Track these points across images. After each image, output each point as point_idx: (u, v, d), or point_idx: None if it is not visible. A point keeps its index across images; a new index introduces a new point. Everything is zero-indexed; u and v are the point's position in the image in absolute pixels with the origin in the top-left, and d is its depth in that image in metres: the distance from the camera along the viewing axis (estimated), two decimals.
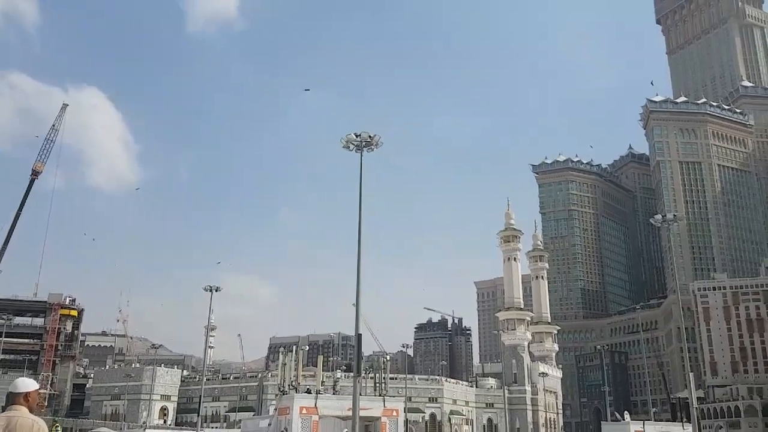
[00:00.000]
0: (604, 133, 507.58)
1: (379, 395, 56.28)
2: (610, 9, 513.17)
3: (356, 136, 43.19)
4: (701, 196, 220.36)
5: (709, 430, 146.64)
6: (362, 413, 53.61)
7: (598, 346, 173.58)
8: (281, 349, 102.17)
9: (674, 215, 64.03)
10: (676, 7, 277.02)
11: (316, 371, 65.37)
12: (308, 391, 52.95)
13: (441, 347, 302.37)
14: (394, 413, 53.12)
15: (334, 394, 58.02)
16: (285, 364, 63.41)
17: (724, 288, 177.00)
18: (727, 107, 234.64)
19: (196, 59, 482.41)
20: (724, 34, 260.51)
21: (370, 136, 43.10)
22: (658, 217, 61.68)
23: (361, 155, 43.72)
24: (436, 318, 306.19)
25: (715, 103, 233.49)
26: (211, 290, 61.36)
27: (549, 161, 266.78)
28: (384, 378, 59.61)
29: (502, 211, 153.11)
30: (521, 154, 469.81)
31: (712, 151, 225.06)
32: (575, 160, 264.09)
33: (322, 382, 59.97)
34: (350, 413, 51.09)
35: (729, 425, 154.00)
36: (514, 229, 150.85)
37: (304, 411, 49.55)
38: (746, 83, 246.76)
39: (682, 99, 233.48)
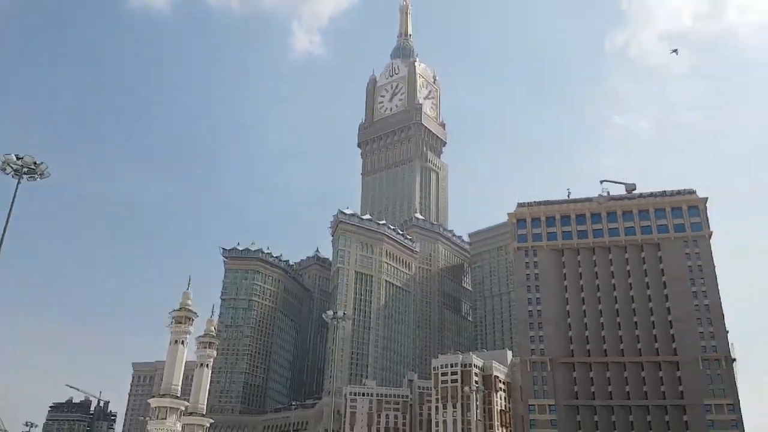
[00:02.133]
0: (301, 232, 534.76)
1: None
2: (324, 124, 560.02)
3: (17, 158, 35.53)
4: (367, 306, 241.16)
5: None
6: None
7: None
8: None
9: (344, 313, 67.61)
10: (375, 138, 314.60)
11: None
12: None
13: (77, 431, 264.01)
14: None
15: None
16: None
17: (372, 395, 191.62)
18: (401, 232, 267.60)
19: None
20: (409, 170, 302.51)
21: (35, 163, 35.86)
22: (330, 313, 64.55)
23: (19, 182, 35.90)
24: (79, 398, 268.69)
25: (392, 227, 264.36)
26: None
27: (241, 248, 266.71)
28: None
29: (181, 289, 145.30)
30: (212, 232, 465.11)
31: (383, 267, 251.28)
32: (266, 251, 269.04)
33: None
34: None
35: None
36: (190, 311, 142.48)
37: None
38: (419, 215, 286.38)
39: (367, 217, 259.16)
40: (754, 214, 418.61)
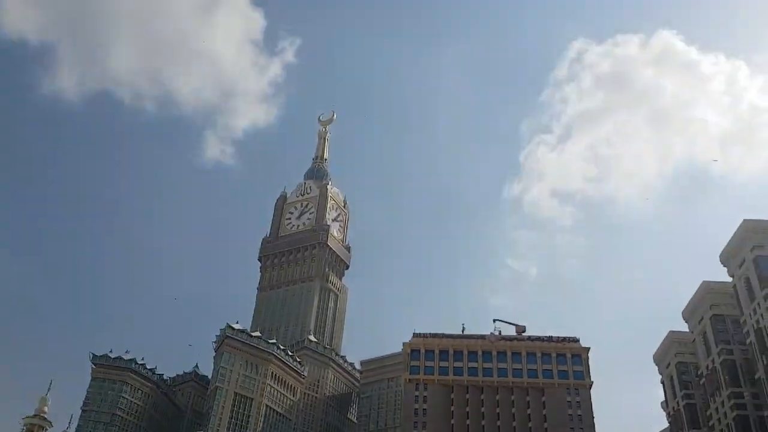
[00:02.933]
0: (182, 346, 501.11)
1: None
2: (225, 234, 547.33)
3: None
4: (243, 431, 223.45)
5: None
6: None
7: None
8: None
9: None
10: (278, 253, 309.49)
11: None
12: None
13: None
14: None
15: None
16: None
17: None
18: (290, 353, 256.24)
19: None
20: (307, 289, 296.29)
21: None
22: None
23: None
24: None
25: (282, 347, 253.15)
26: None
27: (113, 356, 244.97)
28: None
29: (40, 394, 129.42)
30: (84, 337, 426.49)
31: (266, 390, 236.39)
32: (140, 362, 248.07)
33: None
34: None
35: None
36: (44, 419, 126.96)
37: None
38: (312, 338, 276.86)
39: (257, 333, 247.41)
40: (627, 365, 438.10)
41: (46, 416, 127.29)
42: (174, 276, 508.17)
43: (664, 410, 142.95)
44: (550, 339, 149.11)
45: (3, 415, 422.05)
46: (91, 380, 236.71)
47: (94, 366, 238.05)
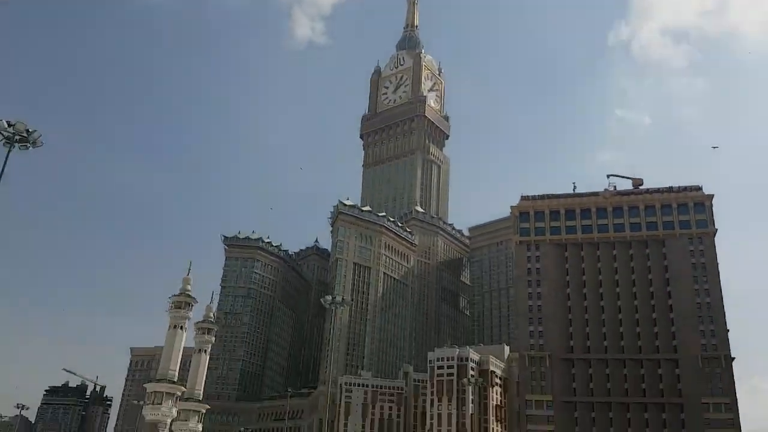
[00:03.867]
0: (301, 223, 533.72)
1: None
2: (325, 115, 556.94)
3: (9, 125, 34.09)
4: (365, 298, 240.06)
5: None
6: None
7: (243, 430, 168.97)
8: None
9: (342, 299, 66.28)
10: (378, 129, 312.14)
11: None
12: None
13: (72, 415, 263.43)
14: None
15: None
16: None
17: (367, 386, 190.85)
18: (400, 225, 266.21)
19: None
20: (410, 163, 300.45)
21: (28, 130, 34.39)
22: (328, 298, 63.35)
23: (10, 150, 34.45)
24: (75, 382, 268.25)
25: (392, 219, 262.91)
26: None
27: (241, 236, 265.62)
28: None
29: (180, 276, 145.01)
30: (212, 223, 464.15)
31: (382, 259, 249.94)
32: (266, 240, 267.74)
33: None
34: None
35: None
36: (189, 296, 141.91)
37: None
38: (419, 208, 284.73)
39: (367, 208, 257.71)
40: (755, 212, 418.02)
41: (190, 293, 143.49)
42: (281, 162, 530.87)
43: None
44: (669, 189, 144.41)
45: (152, 297, 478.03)
46: (226, 259, 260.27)
47: (226, 247, 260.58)
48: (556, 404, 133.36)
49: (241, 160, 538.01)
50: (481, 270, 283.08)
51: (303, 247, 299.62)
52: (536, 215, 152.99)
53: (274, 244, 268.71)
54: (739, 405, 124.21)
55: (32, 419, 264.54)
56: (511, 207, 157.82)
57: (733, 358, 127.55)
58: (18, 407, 77.49)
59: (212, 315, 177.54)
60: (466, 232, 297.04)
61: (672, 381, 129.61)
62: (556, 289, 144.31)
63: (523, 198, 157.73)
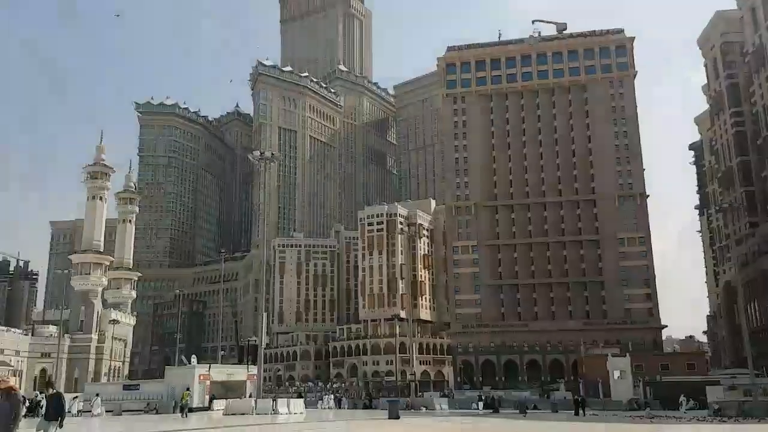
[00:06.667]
0: (218, 86, 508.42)
1: None
2: None
3: None
4: (293, 162, 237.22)
5: (270, 372, 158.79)
6: None
7: (179, 292, 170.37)
8: None
9: (272, 154, 63.46)
10: None
11: None
12: None
13: None
14: None
15: None
16: None
17: (300, 246, 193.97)
18: (324, 86, 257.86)
19: None
20: (332, 17, 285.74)
21: None
22: (256, 153, 60.07)
23: None
24: None
25: (315, 79, 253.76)
26: None
27: (155, 102, 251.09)
28: None
29: (94, 144, 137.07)
30: (121, 84, 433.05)
31: (307, 122, 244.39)
32: (183, 106, 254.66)
33: None
34: None
35: (286, 367, 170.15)
36: (105, 166, 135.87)
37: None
38: (342, 67, 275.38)
39: (288, 68, 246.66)
40: (670, 53, 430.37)
41: (105, 163, 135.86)
42: (193, 15, 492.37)
43: (705, 94, 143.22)
44: (593, 33, 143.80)
45: (66, 173, 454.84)
46: (141, 128, 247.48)
47: (140, 114, 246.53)
48: (481, 248, 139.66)
49: (149, 17, 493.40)
50: (407, 128, 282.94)
51: (224, 113, 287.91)
52: (462, 66, 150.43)
53: (191, 110, 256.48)
54: (651, 238, 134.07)
55: None
56: (438, 58, 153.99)
57: (647, 196, 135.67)
58: None
59: (133, 184, 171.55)
60: (391, 91, 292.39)
61: (590, 220, 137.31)
62: (482, 140, 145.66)
63: (450, 48, 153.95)
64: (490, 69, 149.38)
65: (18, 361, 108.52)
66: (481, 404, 63.81)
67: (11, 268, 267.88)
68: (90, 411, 47.86)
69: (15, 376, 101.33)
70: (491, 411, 58.47)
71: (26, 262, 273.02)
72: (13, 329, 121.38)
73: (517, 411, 55.54)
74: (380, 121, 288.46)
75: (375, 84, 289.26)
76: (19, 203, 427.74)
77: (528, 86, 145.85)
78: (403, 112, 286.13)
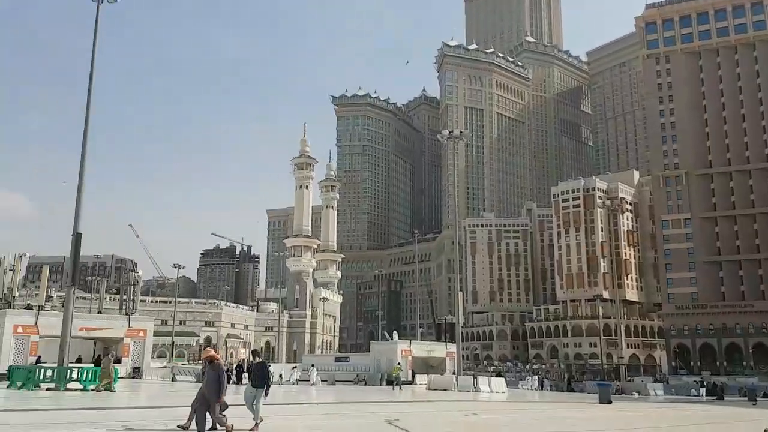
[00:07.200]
0: (405, 72, 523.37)
1: (126, 315, 48.18)
2: None
3: None
4: (480, 141, 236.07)
5: (467, 351, 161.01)
6: (100, 333, 45.17)
7: (378, 272, 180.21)
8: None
9: (460, 132, 63.84)
10: None
11: (41, 285, 54.41)
12: (28, 307, 43.00)
13: (227, 273, 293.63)
14: (141, 334, 45.55)
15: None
16: None
17: (490, 225, 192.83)
18: (511, 59, 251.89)
19: None
20: None
21: None
22: (445, 132, 60.93)
23: (98, 6, 33.82)
24: (224, 245, 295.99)
25: (501, 54, 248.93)
26: None
27: (349, 94, 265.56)
28: (133, 297, 51.51)
29: (298, 139, 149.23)
30: (318, 83, 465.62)
31: (494, 99, 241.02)
32: (374, 96, 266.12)
33: (48, 298, 49.70)
34: (83, 333, 42.44)
35: (483, 347, 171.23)
36: (309, 157, 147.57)
37: (20, 330, 39.75)
38: (530, 38, 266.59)
39: (474, 47, 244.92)
40: None
41: (309, 154, 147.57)
42: (375, 8, 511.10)
43: None
44: None
45: (277, 160, 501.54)
46: (337, 119, 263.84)
47: (336, 107, 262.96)
48: (695, 221, 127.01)
49: (332, 14, 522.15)
50: (603, 96, 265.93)
51: (411, 98, 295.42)
52: (664, 24, 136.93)
53: (381, 99, 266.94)
54: None
55: (194, 279, 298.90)
56: (636, 18, 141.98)
57: None
58: (175, 267, 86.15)
59: (333, 173, 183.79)
60: (584, 58, 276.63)
61: None
62: (691, 102, 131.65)
63: (648, 6, 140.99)
64: (697, 24, 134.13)
65: (246, 334, 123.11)
66: (703, 390, 58.52)
67: (237, 252, 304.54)
68: (308, 380, 52.60)
69: (244, 347, 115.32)
70: (714, 398, 53.22)
71: (249, 247, 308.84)
72: (241, 306, 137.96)
73: (746, 398, 49.90)
74: (573, 91, 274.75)
75: (566, 52, 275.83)
76: (238, 193, 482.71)
77: (742, 39, 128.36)
78: (597, 79, 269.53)
